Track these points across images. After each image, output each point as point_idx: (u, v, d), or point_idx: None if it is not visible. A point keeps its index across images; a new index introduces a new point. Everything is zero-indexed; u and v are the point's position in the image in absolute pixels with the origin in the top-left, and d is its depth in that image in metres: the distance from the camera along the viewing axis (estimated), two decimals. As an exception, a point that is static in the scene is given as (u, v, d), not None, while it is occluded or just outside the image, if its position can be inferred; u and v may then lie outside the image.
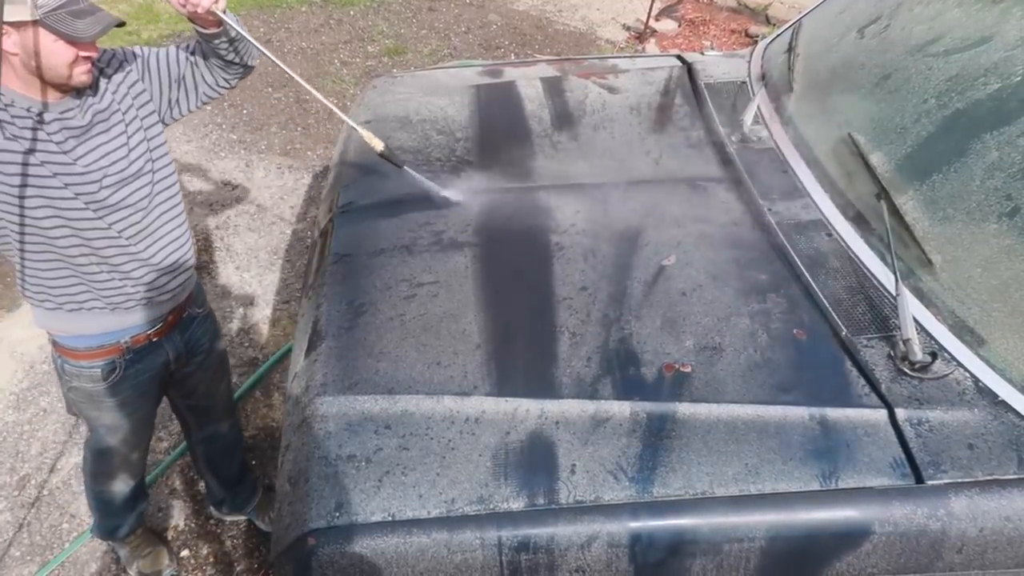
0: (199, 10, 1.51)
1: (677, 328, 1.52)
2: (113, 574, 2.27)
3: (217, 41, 1.61)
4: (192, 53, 1.67)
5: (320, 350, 1.53)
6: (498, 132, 2.15)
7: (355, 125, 1.78)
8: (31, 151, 1.45)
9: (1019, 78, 1.54)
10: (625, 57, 2.84)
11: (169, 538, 2.37)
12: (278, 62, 1.70)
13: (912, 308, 1.48)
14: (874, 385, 1.40)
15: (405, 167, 1.83)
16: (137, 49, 1.65)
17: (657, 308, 1.57)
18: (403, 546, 1.23)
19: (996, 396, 1.37)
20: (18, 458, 2.56)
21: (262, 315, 3.09)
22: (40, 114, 1.46)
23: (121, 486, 2.06)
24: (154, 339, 1.77)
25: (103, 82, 1.57)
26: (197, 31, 1.60)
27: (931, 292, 1.51)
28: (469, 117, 2.20)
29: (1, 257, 1.59)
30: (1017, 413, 1.35)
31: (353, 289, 1.65)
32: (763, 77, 2.24)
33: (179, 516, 2.43)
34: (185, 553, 2.34)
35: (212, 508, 2.40)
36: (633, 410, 1.38)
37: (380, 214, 1.86)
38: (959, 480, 1.28)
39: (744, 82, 2.28)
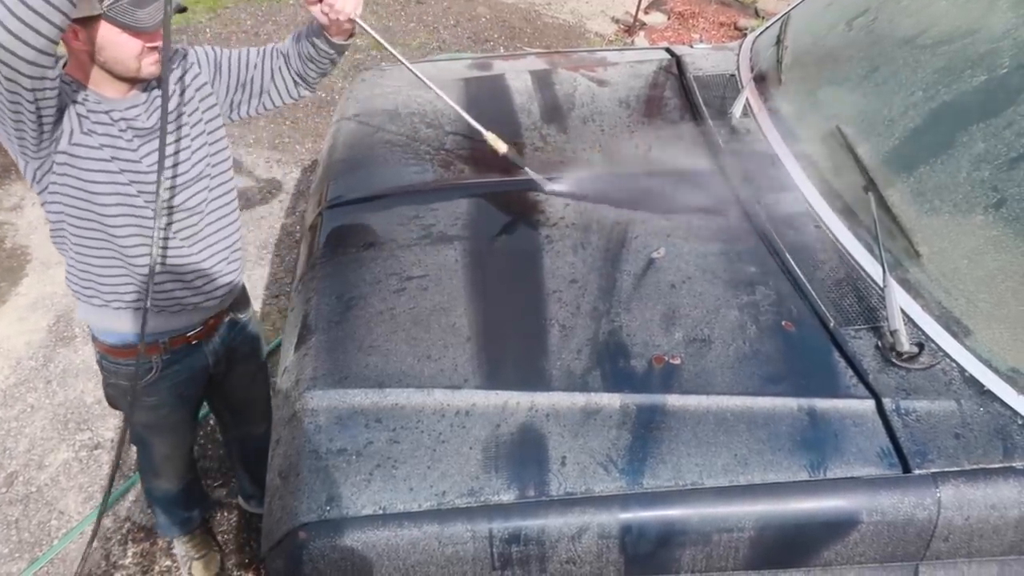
0: (341, 17, 1.48)
1: (667, 320, 1.53)
2: (103, 571, 2.26)
3: (334, 52, 1.59)
4: (265, 59, 1.65)
5: (310, 344, 1.52)
6: (487, 125, 2.14)
7: (479, 127, 1.79)
8: (104, 146, 1.44)
9: (1005, 70, 1.55)
10: (614, 50, 2.83)
11: (159, 534, 2.36)
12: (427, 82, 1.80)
13: (899, 299, 1.49)
14: (862, 376, 1.41)
15: (526, 168, 1.84)
16: (209, 49, 1.63)
17: (647, 301, 1.57)
18: (394, 539, 1.23)
19: (982, 386, 1.38)
20: (5, 455, 2.54)
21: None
22: (109, 112, 1.45)
23: (167, 485, 2.05)
24: (193, 342, 1.75)
25: (172, 83, 1.53)
26: (326, 40, 1.57)
27: (918, 283, 1.52)
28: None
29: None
30: (1003, 403, 1.36)
31: (343, 283, 1.65)
32: (752, 70, 2.24)
33: (169, 512, 2.42)
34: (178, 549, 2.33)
35: (241, 500, 2.43)
36: (623, 402, 1.38)
37: (369, 208, 1.85)
38: (946, 469, 1.29)
39: (733, 75, 2.28)
